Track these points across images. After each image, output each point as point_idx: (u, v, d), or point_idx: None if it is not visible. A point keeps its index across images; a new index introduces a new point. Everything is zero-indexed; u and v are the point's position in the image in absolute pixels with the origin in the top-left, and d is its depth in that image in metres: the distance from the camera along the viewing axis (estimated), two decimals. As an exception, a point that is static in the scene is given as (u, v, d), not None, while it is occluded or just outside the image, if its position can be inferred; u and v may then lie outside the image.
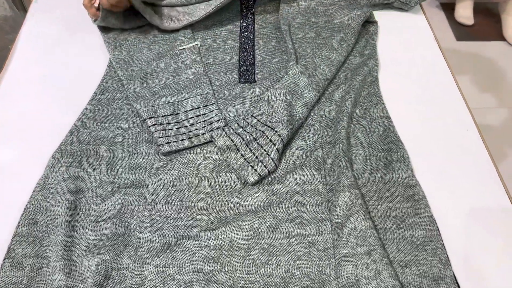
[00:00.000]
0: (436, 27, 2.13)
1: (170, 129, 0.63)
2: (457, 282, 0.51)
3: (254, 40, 0.76)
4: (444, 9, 2.15)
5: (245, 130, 0.62)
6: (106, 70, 0.72)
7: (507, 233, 0.56)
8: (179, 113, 0.65)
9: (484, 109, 1.67)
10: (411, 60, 0.76)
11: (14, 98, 0.69)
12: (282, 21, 0.78)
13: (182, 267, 0.51)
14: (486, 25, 2.08)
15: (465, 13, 2.05)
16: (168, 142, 0.61)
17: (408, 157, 0.61)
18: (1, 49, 0.77)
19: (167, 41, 0.75)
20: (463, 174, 0.62)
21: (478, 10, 2.08)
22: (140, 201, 0.57)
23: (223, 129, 0.62)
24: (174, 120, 0.64)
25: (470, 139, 0.66)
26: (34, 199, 0.56)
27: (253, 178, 0.58)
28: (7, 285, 0.49)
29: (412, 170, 0.60)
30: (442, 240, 0.54)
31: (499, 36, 2.03)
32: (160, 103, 0.66)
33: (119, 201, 0.56)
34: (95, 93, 0.69)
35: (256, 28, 0.78)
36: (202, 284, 0.50)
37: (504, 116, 1.72)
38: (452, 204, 0.58)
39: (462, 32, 2.05)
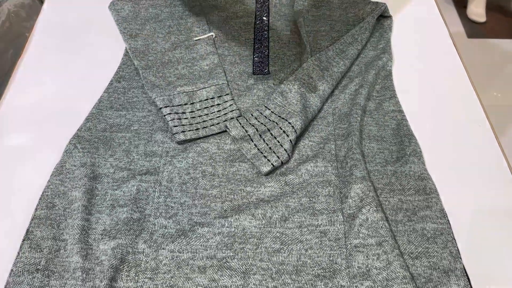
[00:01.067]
0: (447, 24, 2.12)
1: (185, 118, 0.64)
2: (467, 275, 0.52)
3: (268, 32, 0.77)
4: (456, 5, 2.14)
5: (258, 121, 0.63)
6: (122, 59, 0.73)
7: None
8: (194, 102, 0.66)
9: (496, 106, 1.66)
10: (424, 55, 0.77)
11: (32, 84, 0.70)
12: (297, 14, 0.78)
13: (196, 253, 0.52)
14: (499, 23, 2.07)
15: (477, 10, 2.04)
16: (183, 131, 0.62)
17: (421, 151, 0.62)
18: (18, 36, 0.78)
19: (182, 31, 0.76)
20: (475, 170, 0.62)
21: (490, 7, 2.06)
22: (155, 188, 0.58)
23: (237, 120, 0.63)
24: (189, 110, 0.65)
25: (482, 135, 0.66)
26: (51, 183, 0.57)
27: (266, 168, 0.58)
28: (26, 266, 0.50)
29: (424, 164, 0.60)
30: (452, 233, 0.55)
31: (512, 34, 2.02)
32: (175, 93, 0.66)
33: (135, 187, 0.57)
34: (111, 81, 0.70)
35: (270, 20, 0.78)
36: (216, 270, 0.51)
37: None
38: (464, 198, 0.59)
39: (473, 29, 2.04)
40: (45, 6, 0.83)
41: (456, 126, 0.67)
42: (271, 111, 0.64)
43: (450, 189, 0.59)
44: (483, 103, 0.71)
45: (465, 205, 0.58)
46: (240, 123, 0.62)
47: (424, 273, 0.52)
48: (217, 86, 0.68)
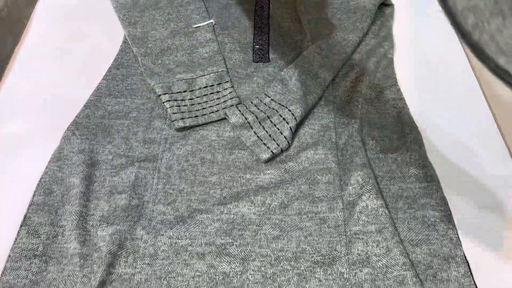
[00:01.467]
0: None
1: (184, 106, 0.64)
2: (467, 262, 0.51)
3: (269, 20, 0.76)
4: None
5: (258, 108, 0.62)
6: (121, 46, 0.73)
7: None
8: (193, 90, 0.65)
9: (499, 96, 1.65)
10: (426, 43, 0.76)
11: (30, 71, 0.70)
12: (298, 1, 0.78)
13: (195, 239, 0.52)
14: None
15: None
16: (182, 118, 0.62)
17: (422, 139, 0.61)
18: (16, 22, 0.77)
19: (182, 19, 0.75)
20: (476, 158, 0.62)
21: None
22: (154, 175, 0.57)
23: (237, 107, 0.62)
24: (188, 97, 0.65)
25: (483, 122, 0.66)
26: (49, 169, 0.57)
27: (265, 156, 0.58)
28: (23, 251, 0.50)
29: (425, 152, 0.60)
30: (453, 221, 0.54)
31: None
32: (175, 80, 0.66)
33: (133, 174, 0.57)
34: (110, 68, 0.69)
35: (271, 8, 0.77)
36: (214, 256, 0.51)
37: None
38: (465, 186, 0.58)
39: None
40: (43, -7, 0.82)
41: (458, 114, 0.66)
42: (271, 99, 0.63)
43: (451, 176, 0.59)
44: (486, 94, 0.71)
45: (466, 193, 0.58)
46: (240, 110, 0.61)
47: (424, 260, 0.51)
48: (216, 73, 0.67)
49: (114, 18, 0.76)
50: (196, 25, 0.74)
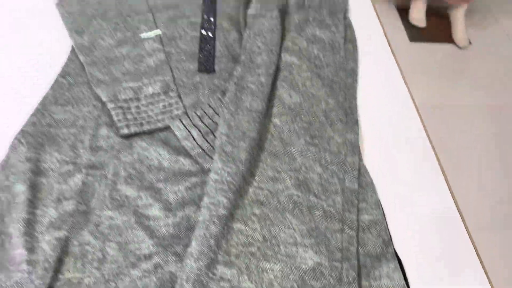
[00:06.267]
0: (391, 28, 2.22)
1: (130, 113, 0.66)
2: (397, 257, 0.57)
3: (214, 32, 0.79)
4: (399, 12, 2.25)
5: (202, 121, 0.65)
6: (68, 55, 0.74)
7: (443, 221, 0.62)
8: (139, 98, 0.68)
9: (430, 106, 1.77)
10: (362, 58, 0.82)
11: (-26, 79, 0.70)
12: (241, 15, 0.81)
13: (143, 242, 0.54)
14: (438, 28, 2.19)
15: (418, 15, 2.15)
16: (127, 125, 0.64)
17: (358, 145, 0.66)
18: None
19: (129, 29, 0.77)
20: (407, 164, 0.68)
21: (430, 13, 2.19)
22: (101, 181, 0.59)
23: (181, 121, 0.65)
24: (134, 105, 0.67)
25: (415, 133, 0.72)
26: (-5, 178, 0.57)
27: (209, 165, 0.61)
28: (-32, 259, 0.51)
29: (361, 159, 0.65)
30: (386, 222, 0.60)
31: (449, 38, 2.15)
32: (121, 88, 0.68)
33: (81, 181, 0.58)
34: (57, 77, 0.70)
35: (217, 21, 0.81)
36: (161, 256, 0.53)
37: (449, 114, 1.83)
38: (397, 190, 0.64)
39: (415, 33, 2.16)
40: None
41: (392, 123, 0.73)
42: (214, 111, 0.66)
43: (385, 182, 0.64)
44: (416, 102, 0.77)
45: (398, 196, 0.63)
46: (184, 124, 0.64)
47: (360, 261, 0.56)
48: (163, 82, 0.70)
49: (61, 26, 0.77)
50: (143, 35, 0.76)
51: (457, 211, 0.64)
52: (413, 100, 0.78)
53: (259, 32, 0.74)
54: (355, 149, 0.64)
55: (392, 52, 0.86)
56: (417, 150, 0.70)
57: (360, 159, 0.65)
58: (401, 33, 2.14)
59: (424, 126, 0.74)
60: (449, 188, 0.66)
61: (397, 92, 0.78)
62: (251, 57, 0.71)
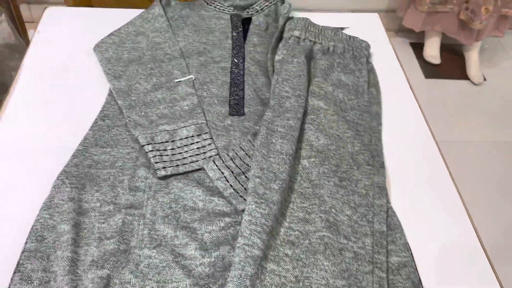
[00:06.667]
0: (406, 65, 2.27)
1: (166, 155, 0.69)
2: None
3: (243, 77, 0.83)
4: (414, 48, 2.30)
5: (234, 163, 0.68)
6: (106, 98, 0.78)
7: (469, 258, 0.64)
8: (174, 140, 0.71)
9: (449, 142, 1.79)
10: (383, 95, 0.85)
11: (19, 122, 0.74)
12: (269, 61, 0.85)
13: (180, 281, 0.56)
14: (452, 65, 2.23)
15: (432, 52, 2.20)
16: (164, 167, 0.67)
17: (386, 188, 0.68)
18: (2, 74, 0.81)
19: (164, 74, 0.81)
20: (432, 205, 0.70)
21: (444, 50, 2.23)
22: (140, 221, 0.62)
23: (214, 162, 0.68)
24: (170, 147, 0.70)
25: (437, 171, 0.75)
26: (41, 217, 0.60)
27: (242, 206, 0.64)
28: (17, 297, 0.53)
29: (389, 202, 0.67)
30: (415, 265, 0.61)
31: (464, 75, 2.18)
32: (157, 131, 0.71)
33: (121, 220, 0.61)
34: (96, 119, 0.74)
35: (246, 66, 0.85)
36: None
37: (467, 149, 1.85)
38: (425, 232, 0.66)
39: (430, 70, 2.19)
40: (31, 45, 0.87)
41: (414, 162, 0.75)
42: (245, 153, 0.70)
43: (413, 224, 0.66)
44: (436, 139, 0.80)
45: (427, 238, 0.65)
46: (217, 165, 0.68)
47: None
48: (196, 125, 0.73)
49: (99, 72, 0.82)
50: (177, 80, 0.80)
51: (482, 249, 0.65)
52: (433, 138, 0.81)
53: (286, 78, 0.78)
54: (383, 191, 0.67)
55: (412, 91, 0.89)
56: (440, 189, 0.72)
57: (388, 202, 0.67)
58: (416, 70, 2.18)
59: (446, 163, 0.77)
60: (474, 226, 0.68)
61: (418, 130, 0.80)
62: (280, 102, 0.74)
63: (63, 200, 0.62)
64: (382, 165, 0.71)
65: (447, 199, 0.71)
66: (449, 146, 1.75)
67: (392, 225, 0.64)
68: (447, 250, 0.64)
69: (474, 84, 2.15)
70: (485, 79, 2.17)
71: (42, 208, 0.61)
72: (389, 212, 0.65)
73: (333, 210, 0.64)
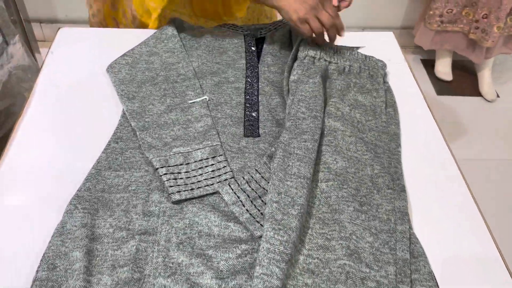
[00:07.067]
0: (418, 81, 2.26)
1: (180, 179, 0.67)
2: None
3: (258, 97, 0.82)
4: (425, 64, 2.28)
5: (250, 186, 0.67)
6: (119, 120, 0.77)
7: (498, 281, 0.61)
8: (189, 163, 0.70)
9: (464, 160, 1.75)
10: (400, 113, 0.83)
11: (31, 144, 0.73)
12: (285, 81, 0.84)
13: None
14: (464, 81, 2.21)
15: (444, 69, 2.18)
16: (179, 191, 0.65)
17: (408, 213, 0.66)
18: (16, 95, 0.81)
19: (177, 94, 0.80)
20: (453, 223, 0.67)
21: (456, 66, 2.21)
22: (154, 248, 0.60)
23: (229, 185, 0.66)
24: (184, 170, 0.69)
25: (459, 192, 0.72)
26: (53, 244, 0.59)
27: (259, 233, 0.62)
28: (28, 328, 0.51)
29: (411, 228, 0.65)
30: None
31: (476, 92, 2.16)
32: (171, 153, 0.70)
33: (134, 247, 0.59)
34: (109, 142, 0.73)
35: (260, 86, 0.84)
36: None
37: (482, 167, 1.81)
38: (448, 260, 0.63)
39: (442, 87, 2.17)
40: (44, 66, 0.87)
41: (433, 182, 0.73)
42: (261, 176, 0.68)
43: (434, 250, 0.64)
44: (456, 157, 0.78)
45: (451, 263, 0.62)
46: (232, 189, 0.66)
47: None
48: (211, 147, 0.72)
49: (112, 93, 0.81)
50: (191, 101, 0.79)
51: (508, 273, 0.63)
52: (454, 158, 0.79)
53: (302, 98, 0.76)
54: (405, 217, 0.64)
55: (430, 111, 0.87)
56: (464, 212, 0.69)
57: (410, 227, 0.64)
58: (428, 87, 2.16)
59: (467, 185, 0.74)
60: (500, 254, 0.65)
61: (438, 150, 0.79)
62: (296, 123, 0.72)
63: (75, 226, 0.61)
64: (403, 189, 0.69)
65: (473, 224, 0.68)
66: (464, 164, 1.72)
67: (416, 253, 0.62)
68: (472, 275, 0.61)
69: (487, 101, 2.12)
70: (498, 96, 2.15)
71: (54, 234, 0.60)
72: (412, 239, 0.63)
73: (353, 236, 0.61)
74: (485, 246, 0.65)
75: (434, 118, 0.85)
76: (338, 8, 0.86)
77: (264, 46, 0.92)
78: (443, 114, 2.02)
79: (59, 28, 0.96)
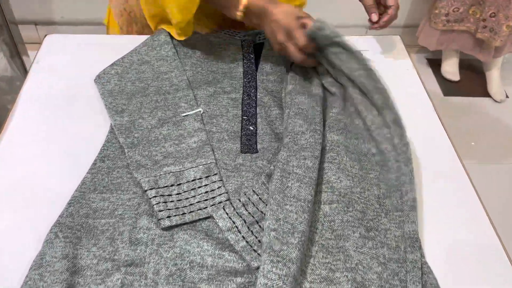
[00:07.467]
0: (424, 82, 2.19)
1: (171, 201, 0.62)
2: None
3: (256, 109, 0.76)
4: (431, 64, 2.22)
5: (246, 210, 0.61)
6: (107, 136, 0.72)
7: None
8: (180, 184, 0.64)
9: (473, 164, 1.69)
10: (404, 114, 0.77)
11: (12, 161, 0.68)
12: (283, 91, 0.78)
13: None
14: (472, 81, 2.14)
15: (451, 69, 2.12)
16: (169, 216, 0.60)
17: (419, 239, 0.60)
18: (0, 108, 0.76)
19: (170, 107, 0.75)
20: (460, 228, 0.63)
21: (463, 66, 2.15)
22: (141, 281, 0.55)
23: (224, 209, 0.61)
24: (175, 192, 0.63)
25: (465, 194, 0.68)
26: (30, 278, 0.53)
27: (256, 263, 0.56)
28: None
29: (423, 255, 0.59)
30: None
31: (485, 92, 2.09)
32: (162, 173, 0.65)
33: (119, 280, 0.54)
34: (95, 161, 0.68)
35: (258, 97, 0.78)
36: None
37: (496, 171, 1.75)
38: (454, 261, 0.59)
39: (448, 87, 2.11)
40: (28, 77, 0.82)
41: (440, 186, 0.69)
42: (259, 197, 0.62)
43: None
44: (463, 162, 0.73)
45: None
46: (227, 213, 0.60)
47: None
48: (205, 165, 0.66)
49: (99, 107, 0.76)
50: (184, 114, 0.74)
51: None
52: (460, 160, 0.73)
53: (299, 111, 0.71)
54: (415, 243, 0.59)
55: (439, 117, 0.81)
56: (470, 214, 0.65)
57: (422, 255, 0.59)
58: (434, 87, 2.10)
59: (473, 186, 0.70)
60: (509, 257, 0.61)
61: (444, 153, 0.74)
62: (294, 138, 0.67)
63: (55, 258, 0.55)
64: (412, 207, 0.62)
65: (479, 230, 0.64)
66: (472, 168, 1.66)
67: (428, 285, 0.56)
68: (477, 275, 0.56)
69: (496, 101, 2.06)
70: (507, 96, 2.08)
71: (31, 267, 0.55)
72: (424, 269, 0.57)
73: (360, 267, 0.56)
74: (496, 255, 0.60)
75: (440, 120, 0.79)
76: (379, 23, 0.83)
77: (263, 52, 0.87)
78: (450, 116, 1.96)
79: (45, 35, 0.90)
